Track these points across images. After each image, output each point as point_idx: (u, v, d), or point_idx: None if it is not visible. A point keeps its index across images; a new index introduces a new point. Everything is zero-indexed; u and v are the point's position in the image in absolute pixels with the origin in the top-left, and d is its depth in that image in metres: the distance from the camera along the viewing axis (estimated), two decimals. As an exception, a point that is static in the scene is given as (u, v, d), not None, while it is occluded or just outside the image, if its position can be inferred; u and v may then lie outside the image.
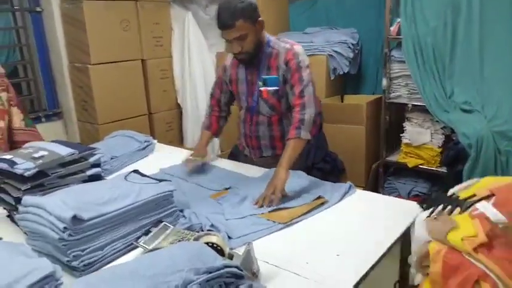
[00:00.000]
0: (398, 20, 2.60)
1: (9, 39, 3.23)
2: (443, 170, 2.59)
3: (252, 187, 1.69)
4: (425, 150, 2.68)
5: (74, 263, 1.17)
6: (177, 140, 3.63)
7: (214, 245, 1.12)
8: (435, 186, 2.78)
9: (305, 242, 1.32)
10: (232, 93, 2.01)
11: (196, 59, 3.44)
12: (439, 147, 2.62)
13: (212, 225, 1.38)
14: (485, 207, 1.17)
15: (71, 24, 3.01)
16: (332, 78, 3.06)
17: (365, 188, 2.90)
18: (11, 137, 1.97)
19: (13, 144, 1.97)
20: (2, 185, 1.42)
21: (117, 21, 3.07)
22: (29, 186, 1.34)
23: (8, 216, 1.50)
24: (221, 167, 1.99)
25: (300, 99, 1.76)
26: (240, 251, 1.18)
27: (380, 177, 2.95)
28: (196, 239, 1.17)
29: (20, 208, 1.29)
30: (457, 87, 2.31)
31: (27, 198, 1.29)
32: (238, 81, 1.94)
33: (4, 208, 1.48)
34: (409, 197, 2.81)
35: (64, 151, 1.45)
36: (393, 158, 2.90)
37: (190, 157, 1.96)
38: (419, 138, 2.68)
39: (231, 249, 1.24)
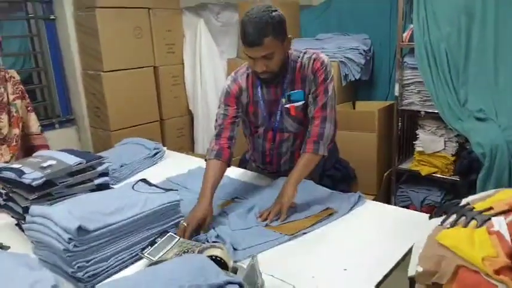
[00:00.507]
0: (411, 25, 2.56)
1: (25, 47, 3.29)
2: (457, 178, 2.54)
3: (259, 197, 1.68)
4: (438, 158, 2.63)
5: (79, 274, 1.17)
6: (188, 146, 3.65)
7: (218, 258, 1.10)
8: (449, 195, 2.72)
9: (311, 255, 1.30)
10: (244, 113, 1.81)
11: (208, 65, 3.45)
12: (453, 155, 2.57)
13: (218, 236, 1.37)
14: (500, 225, 1.13)
15: (84, 32, 3.05)
16: (344, 84, 3.04)
17: (377, 196, 2.87)
18: (28, 142, 2.01)
19: (30, 149, 2.00)
20: (11, 194, 1.43)
21: (129, 28, 3.10)
22: (36, 196, 1.36)
23: (17, 224, 1.52)
24: (228, 175, 1.97)
25: (322, 111, 1.66)
26: (245, 263, 1.17)
27: (392, 185, 2.91)
28: (200, 251, 1.16)
29: (27, 218, 1.30)
30: (471, 95, 2.26)
31: (34, 208, 1.30)
32: (256, 103, 1.76)
33: (12, 217, 1.49)
34: (422, 206, 2.76)
35: (72, 160, 1.46)
36: (406, 166, 2.85)
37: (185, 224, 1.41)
38: (433, 146, 2.63)
39: (236, 261, 1.23)
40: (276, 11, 1.54)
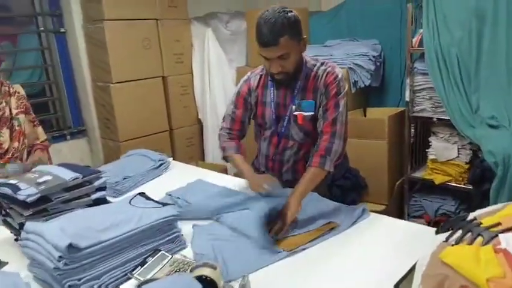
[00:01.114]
0: (421, 30, 2.49)
1: (37, 60, 3.34)
2: (472, 187, 2.44)
3: (257, 204, 1.64)
4: (452, 166, 2.54)
5: (70, 293, 1.16)
6: (198, 155, 3.63)
7: (208, 278, 1.07)
8: (464, 205, 2.62)
9: (309, 272, 1.25)
10: (253, 115, 1.84)
11: (217, 74, 3.45)
12: (467, 163, 2.47)
13: (213, 251, 1.34)
14: (507, 242, 1.06)
15: (93, 44, 3.08)
16: (353, 91, 2.97)
17: (388, 206, 2.79)
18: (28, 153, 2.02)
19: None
20: (8, 210, 1.43)
21: (138, 39, 3.12)
22: (31, 212, 1.35)
23: (16, 239, 1.51)
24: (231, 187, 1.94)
25: (332, 126, 1.62)
26: (238, 282, 1.13)
27: (405, 194, 2.82)
28: (192, 270, 1.13)
29: (22, 234, 1.29)
30: (483, 101, 2.18)
31: (28, 225, 1.29)
32: (265, 104, 1.77)
33: (11, 232, 1.49)
34: (436, 215, 2.67)
35: (68, 175, 1.45)
36: (419, 174, 2.76)
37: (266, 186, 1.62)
38: (446, 154, 2.54)
39: (230, 281, 1.20)
40: (291, 11, 1.53)
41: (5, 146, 1.82)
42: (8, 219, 1.46)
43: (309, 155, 1.75)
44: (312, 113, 1.68)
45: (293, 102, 1.70)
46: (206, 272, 1.08)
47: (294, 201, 1.51)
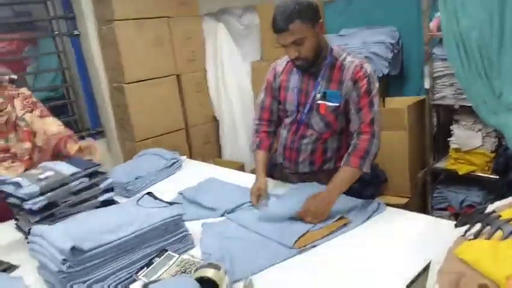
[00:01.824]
0: (438, 14, 2.37)
1: (58, 64, 3.39)
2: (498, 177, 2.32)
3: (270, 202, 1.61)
4: (476, 155, 2.42)
5: (74, 296, 1.15)
6: (215, 152, 3.61)
7: (210, 279, 1.03)
8: (490, 195, 2.50)
9: (319, 271, 1.20)
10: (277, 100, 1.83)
11: (230, 70, 3.41)
12: (492, 151, 2.35)
13: (220, 251, 1.30)
14: (526, 235, 0.99)
15: (106, 45, 3.09)
16: (371, 81, 2.87)
17: (411, 199, 2.69)
18: (55, 145, 1.93)
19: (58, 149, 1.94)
20: (17, 216, 1.44)
21: (150, 38, 3.11)
22: (37, 219, 1.35)
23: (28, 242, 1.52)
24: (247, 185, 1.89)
25: (370, 127, 1.59)
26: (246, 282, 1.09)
27: (428, 186, 2.71)
28: (196, 271, 1.10)
29: (29, 238, 1.30)
30: (506, 86, 2.04)
31: (35, 228, 1.29)
32: (288, 89, 1.75)
33: (23, 235, 1.50)
34: (461, 207, 2.55)
35: (69, 170, 1.44)
36: (441, 164, 2.65)
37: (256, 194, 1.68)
38: (470, 143, 2.42)
39: (237, 281, 1.16)
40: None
41: (14, 149, 1.83)
42: (19, 223, 1.47)
43: (327, 146, 1.72)
44: (337, 105, 1.63)
45: (315, 89, 1.66)
46: (209, 273, 1.05)
47: (333, 196, 1.51)
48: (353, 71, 1.60)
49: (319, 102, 1.66)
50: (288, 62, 1.75)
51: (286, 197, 1.62)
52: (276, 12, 1.51)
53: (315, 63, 1.63)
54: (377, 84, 1.63)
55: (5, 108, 1.82)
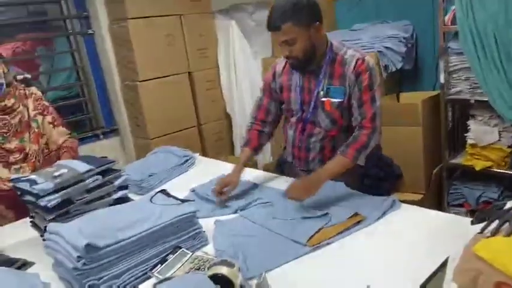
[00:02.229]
0: (453, 7, 2.33)
1: (70, 63, 3.43)
2: (515, 173, 2.28)
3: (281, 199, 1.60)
4: (493, 150, 2.37)
5: (90, 293, 1.16)
6: (228, 149, 3.62)
7: (224, 277, 1.03)
8: (508, 191, 2.45)
9: (332, 269, 1.19)
10: (282, 101, 1.81)
11: (242, 67, 3.40)
12: (509, 146, 2.30)
13: (233, 248, 1.30)
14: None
15: (119, 44, 3.11)
16: (384, 76, 2.84)
17: (426, 195, 2.66)
18: (57, 156, 1.98)
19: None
20: (33, 214, 1.46)
21: (162, 36, 3.12)
22: (53, 217, 1.36)
23: (44, 240, 1.54)
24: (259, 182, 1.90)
25: (372, 122, 1.59)
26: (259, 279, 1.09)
27: (444, 182, 2.67)
28: (209, 268, 1.10)
29: (45, 235, 1.31)
30: (524, 80, 2.01)
31: (51, 225, 1.31)
32: (290, 89, 1.74)
33: (38, 233, 1.52)
34: (478, 203, 2.51)
35: (83, 167, 1.45)
36: (457, 160, 2.60)
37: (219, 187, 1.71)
38: (486, 138, 2.37)
39: (251, 278, 1.16)
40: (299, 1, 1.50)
41: (28, 149, 1.85)
42: (36, 220, 1.49)
43: (335, 143, 1.71)
44: (341, 100, 1.63)
45: (318, 87, 1.66)
46: (223, 270, 1.05)
47: (323, 177, 1.54)
48: (355, 64, 1.59)
49: (323, 99, 1.65)
50: (286, 61, 1.73)
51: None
52: (272, 9, 1.52)
53: (309, 62, 1.62)
54: (379, 79, 1.63)
55: (18, 108, 1.84)
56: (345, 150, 1.59)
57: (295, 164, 1.87)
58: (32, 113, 1.87)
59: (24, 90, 1.91)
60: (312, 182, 1.54)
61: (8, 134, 1.82)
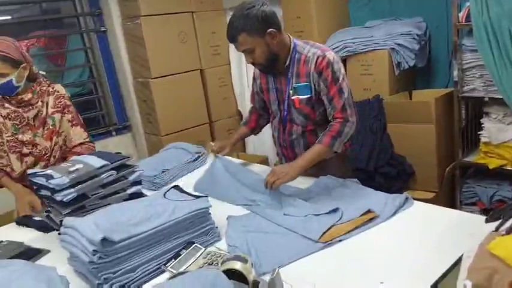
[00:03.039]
0: (468, 3, 2.30)
1: (83, 60, 3.46)
2: (531, 171, 2.25)
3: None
4: (507, 149, 2.34)
5: (105, 286, 1.17)
6: (239, 146, 3.62)
7: (237, 272, 1.04)
8: (522, 190, 2.42)
9: (345, 266, 1.19)
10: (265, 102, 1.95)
11: (254, 64, 3.40)
12: (524, 145, 2.27)
13: (247, 244, 1.31)
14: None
15: (132, 41, 3.14)
16: (397, 73, 2.82)
17: (438, 194, 2.64)
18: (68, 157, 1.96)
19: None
20: (49, 208, 1.49)
21: (174, 33, 3.14)
22: (69, 211, 1.38)
23: (59, 234, 1.57)
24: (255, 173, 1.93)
25: (342, 113, 1.68)
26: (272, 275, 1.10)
27: (457, 181, 2.65)
28: (222, 263, 1.11)
29: (61, 229, 1.33)
30: (540, 77, 1.98)
31: (67, 220, 1.33)
32: (268, 90, 1.86)
33: (54, 227, 1.54)
34: (491, 202, 2.48)
35: (98, 163, 1.47)
36: (471, 159, 2.58)
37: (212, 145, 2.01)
38: (500, 136, 2.35)
39: (263, 273, 1.17)
40: (256, 6, 1.58)
41: (39, 145, 1.88)
42: (51, 214, 1.52)
43: (317, 136, 1.76)
44: (309, 96, 1.72)
45: (288, 86, 1.75)
46: (236, 265, 1.06)
47: (297, 169, 1.63)
48: (316, 62, 1.66)
49: (292, 97, 1.74)
50: None
51: (301, 195, 1.64)
52: (229, 23, 1.62)
53: (274, 66, 1.71)
54: (342, 69, 1.69)
55: (36, 103, 1.86)
56: (321, 138, 1.68)
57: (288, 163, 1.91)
58: (50, 110, 1.89)
59: (48, 87, 1.92)
60: (290, 166, 1.65)
61: (19, 126, 1.86)
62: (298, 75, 1.72)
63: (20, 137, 1.86)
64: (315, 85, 1.70)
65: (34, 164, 1.88)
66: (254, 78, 1.94)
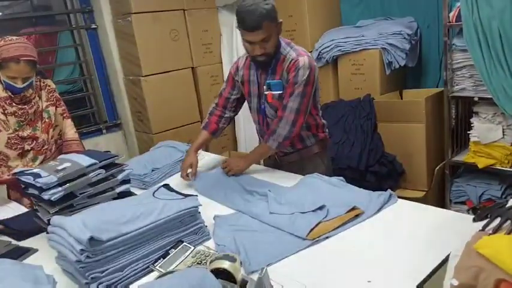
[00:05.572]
0: (458, 3, 2.32)
1: (73, 57, 3.43)
2: (519, 170, 2.27)
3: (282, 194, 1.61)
4: (496, 148, 2.37)
5: (92, 286, 1.17)
6: (231, 145, 3.62)
7: (226, 271, 1.04)
8: (511, 189, 2.44)
9: (331, 264, 1.20)
10: (243, 94, 2.00)
11: (246, 62, 3.40)
12: (512, 144, 2.30)
13: (235, 243, 1.31)
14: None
15: (122, 38, 3.11)
16: (388, 73, 2.84)
17: (428, 192, 2.66)
18: (66, 148, 2.06)
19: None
20: (36, 207, 1.47)
21: (166, 31, 3.12)
22: (57, 210, 1.37)
23: (47, 233, 1.55)
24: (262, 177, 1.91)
25: (282, 112, 1.79)
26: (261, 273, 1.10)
27: (446, 179, 2.67)
28: (211, 262, 1.10)
29: (49, 228, 1.32)
30: (528, 76, 2.00)
31: (55, 218, 1.31)
32: (250, 83, 1.93)
33: (42, 226, 1.53)
34: (480, 201, 2.51)
35: (86, 161, 1.46)
36: (460, 158, 2.60)
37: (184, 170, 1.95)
38: (490, 135, 2.37)
39: (252, 272, 1.17)
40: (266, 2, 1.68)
41: (39, 138, 1.90)
42: (39, 214, 1.50)
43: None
44: (280, 92, 1.81)
45: (265, 82, 1.85)
46: (224, 264, 1.05)
47: (245, 162, 1.89)
48: (289, 63, 1.77)
49: (266, 92, 1.85)
50: (247, 57, 1.91)
51: (287, 194, 1.63)
52: (245, 12, 1.65)
53: (272, 59, 1.79)
54: (312, 77, 1.76)
55: (34, 98, 1.89)
56: (266, 136, 1.85)
57: (274, 156, 2.03)
58: (44, 104, 1.93)
59: (40, 81, 1.98)
60: (241, 159, 1.94)
61: (23, 122, 1.90)
62: (274, 72, 1.82)
63: (20, 133, 1.89)
64: (285, 83, 1.80)
65: (33, 160, 1.89)
66: (237, 69, 1.97)
